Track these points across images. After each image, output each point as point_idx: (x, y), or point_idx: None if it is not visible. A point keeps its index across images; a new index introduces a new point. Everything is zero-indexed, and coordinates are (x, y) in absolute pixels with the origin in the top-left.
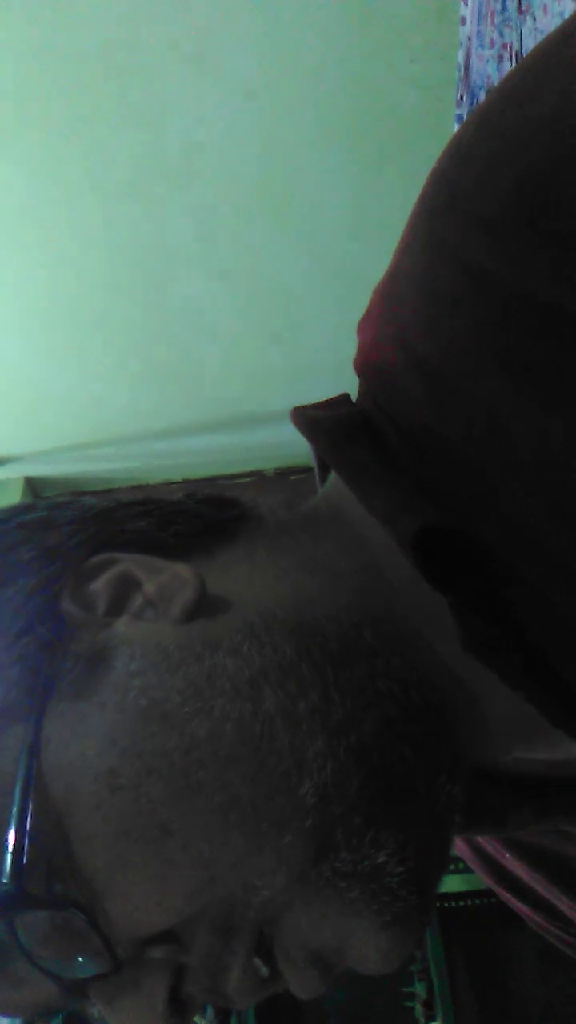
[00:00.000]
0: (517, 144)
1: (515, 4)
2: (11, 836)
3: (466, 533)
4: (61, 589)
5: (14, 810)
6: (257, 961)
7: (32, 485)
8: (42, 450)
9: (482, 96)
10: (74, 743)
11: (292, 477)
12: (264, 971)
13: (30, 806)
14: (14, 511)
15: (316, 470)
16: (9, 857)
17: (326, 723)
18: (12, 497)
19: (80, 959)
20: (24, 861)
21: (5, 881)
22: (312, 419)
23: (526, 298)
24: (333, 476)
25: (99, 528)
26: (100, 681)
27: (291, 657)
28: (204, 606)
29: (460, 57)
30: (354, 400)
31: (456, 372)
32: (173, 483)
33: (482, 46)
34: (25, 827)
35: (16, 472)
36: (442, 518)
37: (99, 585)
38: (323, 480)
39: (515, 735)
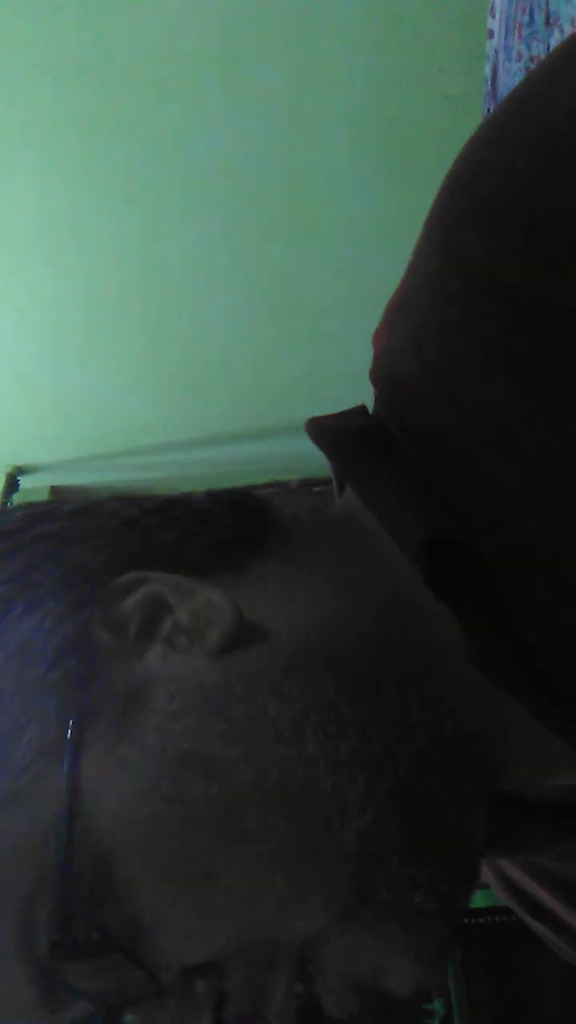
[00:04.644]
0: (530, 150)
1: (543, 17)
2: (56, 885)
3: (476, 545)
4: (91, 613)
5: (57, 859)
6: (297, 985)
7: (58, 494)
8: (68, 459)
9: None
10: (115, 787)
11: (315, 488)
12: (301, 990)
13: (73, 855)
14: (31, 518)
15: (334, 482)
16: (55, 907)
17: (366, 765)
18: None
19: (125, 987)
20: (69, 908)
21: (52, 934)
22: (326, 429)
23: (539, 303)
24: (348, 486)
25: (124, 542)
26: (138, 722)
27: (330, 695)
28: (240, 636)
29: (487, 70)
30: (369, 411)
31: (467, 379)
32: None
33: (509, 59)
34: (69, 876)
35: (42, 481)
36: (452, 529)
37: (128, 607)
38: (341, 491)
39: (544, 759)
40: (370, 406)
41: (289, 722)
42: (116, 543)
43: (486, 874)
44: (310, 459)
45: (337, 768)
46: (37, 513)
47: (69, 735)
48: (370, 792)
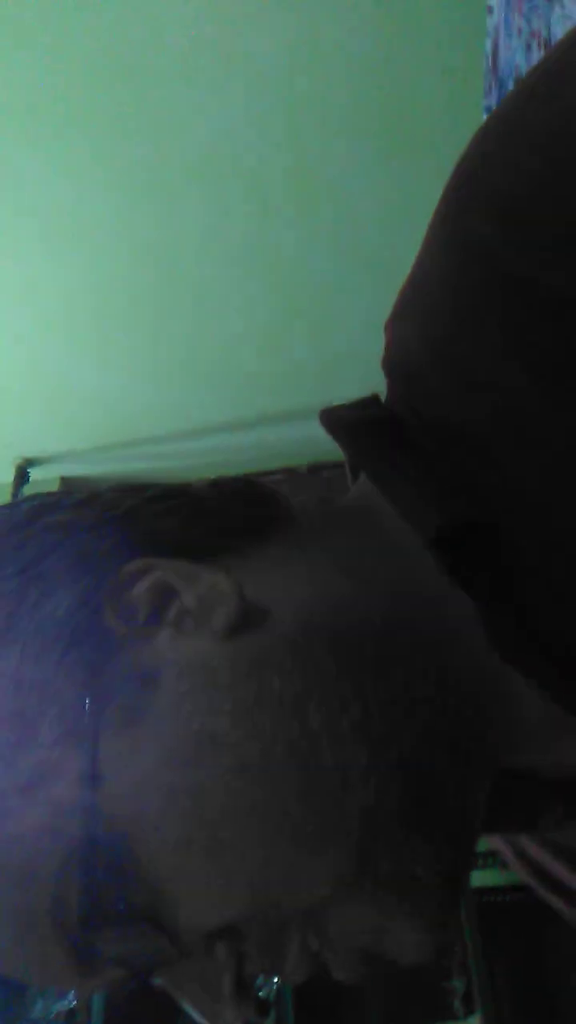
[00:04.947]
0: (541, 141)
1: None
2: (81, 863)
3: (492, 532)
4: (102, 602)
5: (81, 839)
6: (309, 941)
7: (67, 485)
8: (77, 450)
9: (510, 85)
10: (131, 767)
11: (325, 473)
12: (315, 947)
13: (96, 834)
14: (38, 510)
15: (347, 470)
16: (82, 884)
17: (368, 738)
18: None
19: (152, 953)
20: (95, 884)
21: (81, 908)
22: (340, 419)
23: (551, 294)
24: (363, 475)
25: (129, 530)
26: (151, 703)
27: (332, 672)
28: (245, 618)
29: (487, 46)
30: (383, 401)
31: (480, 368)
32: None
33: (509, 35)
34: (93, 854)
35: (52, 473)
36: (467, 515)
37: (137, 593)
38: (354, 479)
39: (552, 737)
40: (379, 392)
41: (292, 698)
42: (122, 531)
43: (505, 852)
44: (319, 444)
45: (340, 742)
46: (43, 505)
47: (87, 719)
48: (373, 766)
